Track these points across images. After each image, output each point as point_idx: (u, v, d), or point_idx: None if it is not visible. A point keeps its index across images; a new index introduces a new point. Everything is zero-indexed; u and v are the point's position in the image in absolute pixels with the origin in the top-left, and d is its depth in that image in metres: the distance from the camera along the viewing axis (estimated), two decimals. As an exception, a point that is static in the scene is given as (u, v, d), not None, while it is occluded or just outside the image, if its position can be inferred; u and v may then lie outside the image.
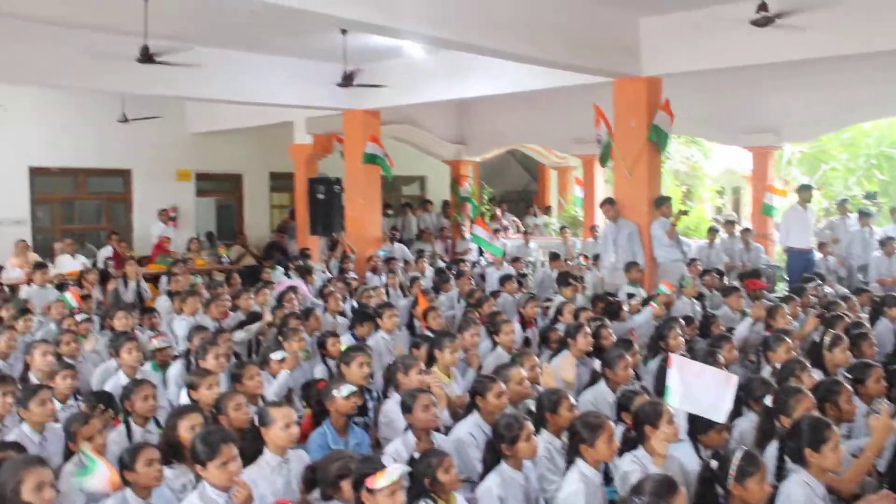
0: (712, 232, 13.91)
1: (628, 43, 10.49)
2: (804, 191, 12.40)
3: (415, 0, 7.78)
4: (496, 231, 16.41)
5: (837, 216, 14.90)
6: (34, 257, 12.84)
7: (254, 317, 8.67)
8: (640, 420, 4.50)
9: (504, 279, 10.96)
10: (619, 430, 4.79)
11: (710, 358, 5.85)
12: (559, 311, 8.56)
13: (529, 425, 4.49)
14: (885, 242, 11.99)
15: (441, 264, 14.66)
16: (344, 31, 10.24)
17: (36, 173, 15.48)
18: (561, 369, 6.03)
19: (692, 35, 10.04)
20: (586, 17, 9.82)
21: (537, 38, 9.21)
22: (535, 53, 9.33)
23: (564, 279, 10.33)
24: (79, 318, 8.27)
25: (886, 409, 4.96)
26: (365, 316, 8.32)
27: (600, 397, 5.92)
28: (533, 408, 5.29)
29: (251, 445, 4.46)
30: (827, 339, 6.29)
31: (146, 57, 8.73)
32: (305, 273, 12.06)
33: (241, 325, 8.48)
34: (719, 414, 4.56)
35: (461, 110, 18.11)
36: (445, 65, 12.19)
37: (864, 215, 13.54)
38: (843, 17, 8.59)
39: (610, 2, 9.86)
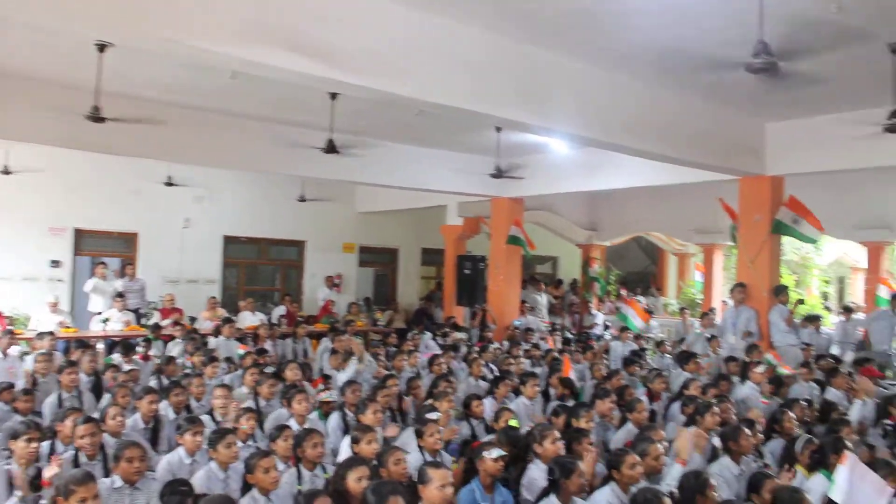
0: (816, 320, 12.98)
1: (754, 145, 10.19)
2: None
3: (566, 104, 7.71)
4: (618, 310, 15.98)
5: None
6: (222, 312, 13.22)
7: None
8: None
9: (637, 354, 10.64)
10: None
11: (837, 445, 5.38)
12: (685, 386, 8.14)
13: (668, 501, 4.18)
14: None
15: (569, 336, 14.31)
16: (499, 129, 10.26)
17: (227, 241, 16.13)
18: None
19: (817, 138, 9.67)
20: (716, 123, 9.59)
21: (672, 139, 9.01)
22: (670, 153, 9.10)
23: (687, 357, 9.87)
24: (268, 370, 8.42)
25: None
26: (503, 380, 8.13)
27: (725, 470, 5.56)
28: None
29: (409, 500, 4.31)
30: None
31: (331, 148, 8.96)
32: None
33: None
34: None
35: (593, 200, 17.88)
36: (584, 160, 12.12)
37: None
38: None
39: (739, 109, 9.65)
